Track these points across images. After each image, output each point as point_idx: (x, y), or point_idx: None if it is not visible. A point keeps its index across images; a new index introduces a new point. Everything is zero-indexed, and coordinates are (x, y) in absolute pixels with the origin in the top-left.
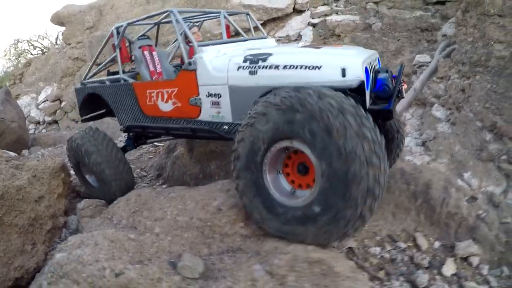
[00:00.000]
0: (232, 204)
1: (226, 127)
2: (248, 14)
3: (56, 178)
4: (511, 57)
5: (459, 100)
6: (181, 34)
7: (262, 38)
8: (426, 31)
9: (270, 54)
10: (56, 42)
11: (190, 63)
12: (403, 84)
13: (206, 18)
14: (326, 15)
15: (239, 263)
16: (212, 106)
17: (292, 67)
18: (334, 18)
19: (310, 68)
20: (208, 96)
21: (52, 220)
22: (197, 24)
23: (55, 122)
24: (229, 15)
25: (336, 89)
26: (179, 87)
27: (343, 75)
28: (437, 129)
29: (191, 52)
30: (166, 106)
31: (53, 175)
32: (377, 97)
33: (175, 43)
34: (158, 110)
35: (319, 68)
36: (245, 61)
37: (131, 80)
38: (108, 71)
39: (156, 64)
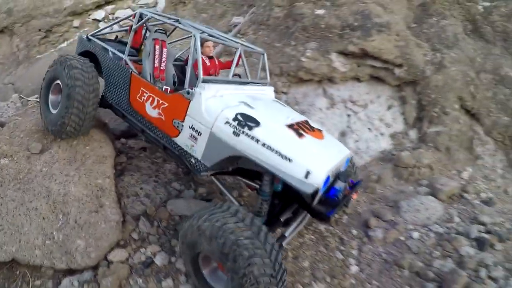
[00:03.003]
0: None
1: (193, 160)
2: (263, 54)
3: None
4: (284, 17)
5: None
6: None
7: (263, 84)
8: None
9: (258, 124)
10: None
11: (188, 92)
12: (354, 195)
13: (223, 43)
14: None
15: None
16: (189, 138)
17: (269, 148)
18: None
19: (283, 158)
20: (190, 128)
21: None
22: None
23: None
24: (245, 47)
25: (294, 187)
26: (170, 104)
27: (306, 177)
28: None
29: (196, 66)
30: (152, 112)
31: None
32: (326, 200)
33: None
34: (144, 110)
35: (290, 161)
36: (234, 119)
37: (132, 68)
38: (116, 36)
39: (162, 61)
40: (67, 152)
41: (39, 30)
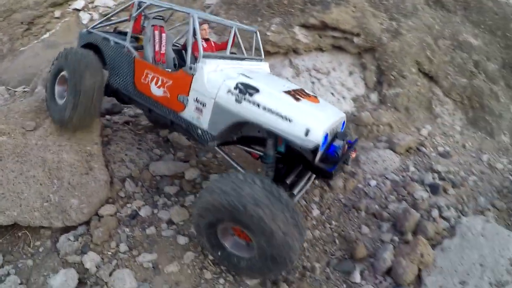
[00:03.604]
0: None
1: (200, 131)
2: (256, 32)
3: None
4: None
5: None
6: (193, 33)
7: (258, 60)
8: None
9: (257, 91)
10: None
11: (191, 68)
12: (353, 153)
13: (219, 22)
14: None
15: None
16: (195, 110)
17: (270, 111)
18: None
19: (283, 118)
20: (195, 101)
21: None
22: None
23: None
24: (239, 25)
25: (296, 144)
26: (174, 81)
27: (306, 134)
28: None
29: (195, 46)
30: (157, 91)
31: None
32: (327, 158)
33: (179, 27)
34: (149, 91)
35: (289, 121)
36: (235, 87)
37: (134, 53)
38: (115, 28)
39: (162, 45)
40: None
41: (21, 23)
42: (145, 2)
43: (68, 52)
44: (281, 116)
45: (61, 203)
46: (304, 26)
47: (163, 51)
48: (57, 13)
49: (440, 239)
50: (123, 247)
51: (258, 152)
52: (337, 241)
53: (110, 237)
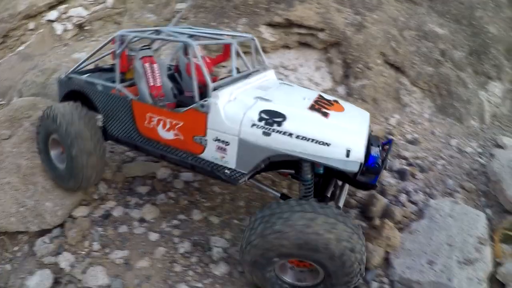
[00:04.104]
0: None
1: (227, 171)
2: (253, 39)
3: None
4: None
5: None
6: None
7: (263, 70)
8: None
9: (284, 117)
10: None
11: (203, 105)
12: (389, 159)
13: (216, 43)
14: None
15: None
16: (217, 150)
17: (304, 138)
18: None
19: (320, 144)
20: (215, 141)
21: None
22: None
23: None
24: (233, 37)
25: (338, 168)
26: (185, 122)
27: (347, 155)
28: None
29: (189, 66)
30: (166, 134)
31: None
32: (367, 169)
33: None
34: (157, 135)
35: (328, 145)
36: (260, 119)
37: (130, 96)
38: (96, 65)
39: (156, 77)
40: (33, 133)
41: None
42: (127, 36)
43: (54, 112)
44: (318, 142)
45: (37, 207)
46: (270, 25)
47: (159, 84)
48: (31, 25)
49: (408, 222)
50: (96, 245)
51: (288, 171)
52: None
53: (83, 237)
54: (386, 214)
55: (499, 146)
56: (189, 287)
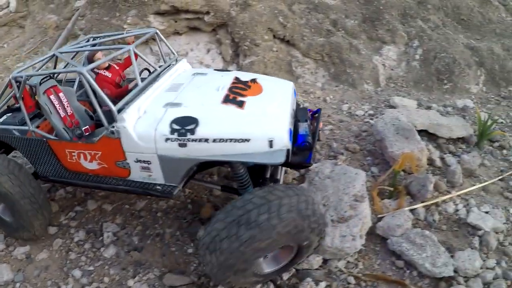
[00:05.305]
0: None
1: (159, 187)
2: (156, 32)
3: None
4: None
5: None
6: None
7: (174, 63)
8: None
9: (196, 123)
10: None
11: (112, 132)
12: (320, 125)
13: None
14: None
15: None
16: (142, 170)
17: (221, 140)
18: None
19: (240, 141)
20: (137, 162)
21: None
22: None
23: None
24: (135, 36)
25: (265, 163)
26: (102, 151)
27: (270, 146)
28: None
29: (98, 80)
30: (91, 165)
31: None
32: (298, 149)
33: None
34: (83, 167)
35: (248, 141)
36: (172, 131)
37: (45, 136)
38: (8, 106)
39: (65, 106)
40: None
41: None
42: (21, 77)
43: None
44: (236, 140)
45: None
46: (158, 13)
47: (70, 111)
48: None
49: None
50: (0, 246)
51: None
52: (189, 206)
53: None
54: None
55: (391, 106)
56: (82, 271)
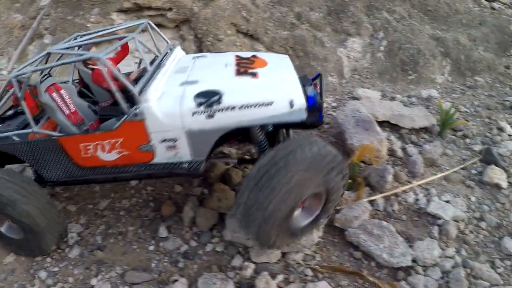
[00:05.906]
0: None
1: (186, 165)
2: (148, 23)
3: None
4: None
5: None
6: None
7: (171, 51)
8: None
9: (220, 94)
10: None
11: (136, 114)
12: (317, 87)
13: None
14: None
15: None
16: (168, 150)
17: (248, 106)
18: None
19: (264, 105)
20: (162, 142)
21: None
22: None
23: None
24: (126, 28)
25: (287, 121)
26: (124, 137)
27: (291, 106)
28: None
29: (96, 76)
30: (109, 156)
31: None
32: (309, 110)
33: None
34: (99, 160)
35: (271, 104)
36: (198, 105)
37: (54, 134)
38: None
39: (68, 104)
40: None
41: None
42: (23, 74)
43: None
44: (261, 104)
45: None
46: (121, 11)
47: (73, 109)
48: None
49: None
50: None
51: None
52: (151, 204)
53: None
54: (224, 178)
55: (355, 98)
56: (48, 272)
